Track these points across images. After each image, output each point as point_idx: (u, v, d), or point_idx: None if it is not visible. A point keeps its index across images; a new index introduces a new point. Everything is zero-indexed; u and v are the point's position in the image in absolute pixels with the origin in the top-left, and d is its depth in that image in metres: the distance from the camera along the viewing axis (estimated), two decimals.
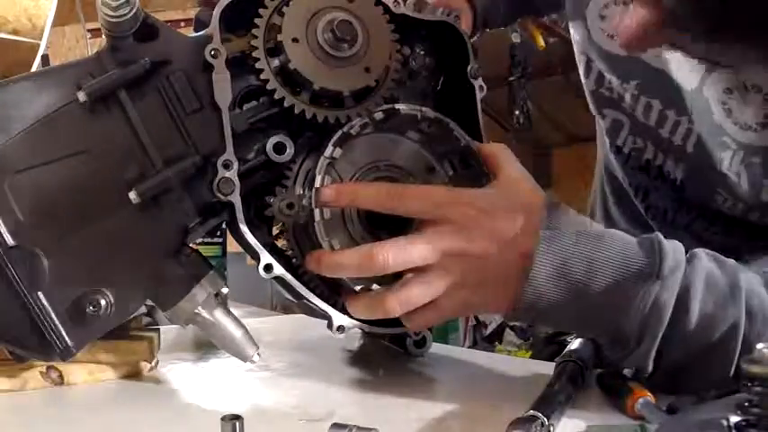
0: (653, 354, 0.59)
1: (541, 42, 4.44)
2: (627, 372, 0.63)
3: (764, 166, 0.72)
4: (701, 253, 0.61)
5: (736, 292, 0.59)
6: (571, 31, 0.88)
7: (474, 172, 0.70)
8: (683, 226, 0.85)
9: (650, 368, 0.60)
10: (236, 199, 0.63)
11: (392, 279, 0.64)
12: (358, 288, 0.66)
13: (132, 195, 0.60)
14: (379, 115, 0.66)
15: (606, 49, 0.82)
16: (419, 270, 0.61)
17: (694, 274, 0.59)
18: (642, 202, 0.89)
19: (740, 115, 0.72)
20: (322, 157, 0.64)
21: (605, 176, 0.98)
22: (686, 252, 0.61)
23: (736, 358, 0.58)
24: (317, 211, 0.64)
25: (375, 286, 0.66)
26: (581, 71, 0.87)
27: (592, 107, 0.89)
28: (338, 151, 0.65)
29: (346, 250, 0.63)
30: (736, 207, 0.77)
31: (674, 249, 0.60)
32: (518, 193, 0.64)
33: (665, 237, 0.61)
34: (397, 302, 0.61)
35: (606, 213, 0.99)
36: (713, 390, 0.51)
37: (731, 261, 0.62)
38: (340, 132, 0.65)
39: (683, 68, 0.75)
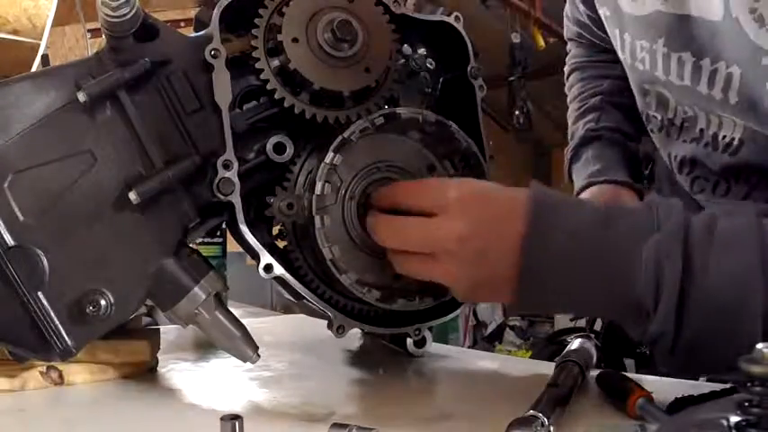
0: (674, 316, 0.53)
1: (541, 42, 4.44)
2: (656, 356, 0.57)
3: None
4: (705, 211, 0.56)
5: (753, 232, 0.53)
6: (600, 12, 0.87)
7: (475, 172, 0.70)
8: (742, 197, 0.78)
9: (671, 337, 0.54)
10: (236, 199, 0.63)
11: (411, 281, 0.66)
12: (351, 281, 0.65)
13: (132, 195, 0.60)
14: (379, 120, 0.66)
15: (630, 12, 0.80)
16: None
17: (698, 221, 0.54)
18: (688, 175, 0.83)
19: None
20: (322, 164, 0.64)
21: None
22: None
23: (761, 314, 0.51)
24: (317, 218, 0.64)
25: (375, 291, 0.66)
26: (617, 49, 0.84)
27: (634, 88, 0.86)
28: (338, 157, 0.65)
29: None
30: None
31: (668, 204, 0.56)
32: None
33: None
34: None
35: None
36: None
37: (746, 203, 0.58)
38: (340, 138, 0.65)
39: (702, 1, 0.70)
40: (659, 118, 0.84)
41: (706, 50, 0.72)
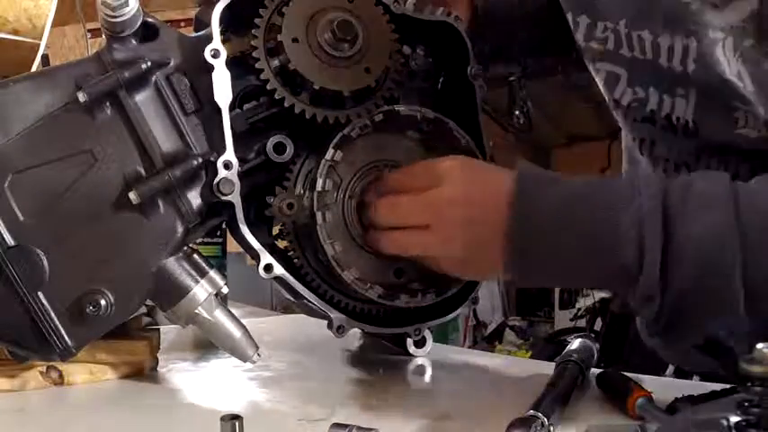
0: (658, 276, 0.54)
1: None
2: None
3: (756, 48, 0.64)
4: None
5: (729, 194, 0.55)
6: None
7: None
8: None
9: (657, 301, 0.55)
10: (236, 199, 0.63)
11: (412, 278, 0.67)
12: (353, 278, 0.66)
13: (132, 195, 0.60)
14: (378, 117, 0.67)
15: None
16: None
17: (675, 184, 0.56)
18: (649, 156, 0.81)
19: None
20: (323, 161, 0.65)
21: (628, 167, 0.91)
22: None
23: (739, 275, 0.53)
24: (318, 214, 0.64)
25: (377, 288, 0.66)
26: (572, 28, 0.83)
27: (589, 66, 0.84)
28: (339, 154, 0.65)
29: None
30: (756, 127, 0.68)
31: (647, 174, 0.59)
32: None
33: None
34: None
35: None
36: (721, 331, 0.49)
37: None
38: (340, 135, 0.65)
39: None
40: (607, 99, 0.82)
41: (666, 24, 0.72)
